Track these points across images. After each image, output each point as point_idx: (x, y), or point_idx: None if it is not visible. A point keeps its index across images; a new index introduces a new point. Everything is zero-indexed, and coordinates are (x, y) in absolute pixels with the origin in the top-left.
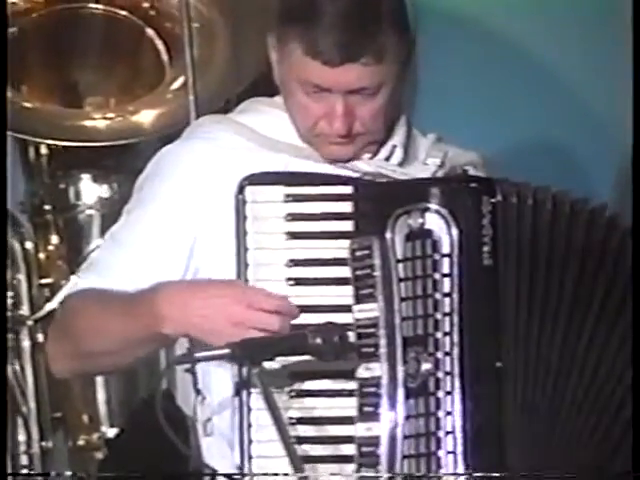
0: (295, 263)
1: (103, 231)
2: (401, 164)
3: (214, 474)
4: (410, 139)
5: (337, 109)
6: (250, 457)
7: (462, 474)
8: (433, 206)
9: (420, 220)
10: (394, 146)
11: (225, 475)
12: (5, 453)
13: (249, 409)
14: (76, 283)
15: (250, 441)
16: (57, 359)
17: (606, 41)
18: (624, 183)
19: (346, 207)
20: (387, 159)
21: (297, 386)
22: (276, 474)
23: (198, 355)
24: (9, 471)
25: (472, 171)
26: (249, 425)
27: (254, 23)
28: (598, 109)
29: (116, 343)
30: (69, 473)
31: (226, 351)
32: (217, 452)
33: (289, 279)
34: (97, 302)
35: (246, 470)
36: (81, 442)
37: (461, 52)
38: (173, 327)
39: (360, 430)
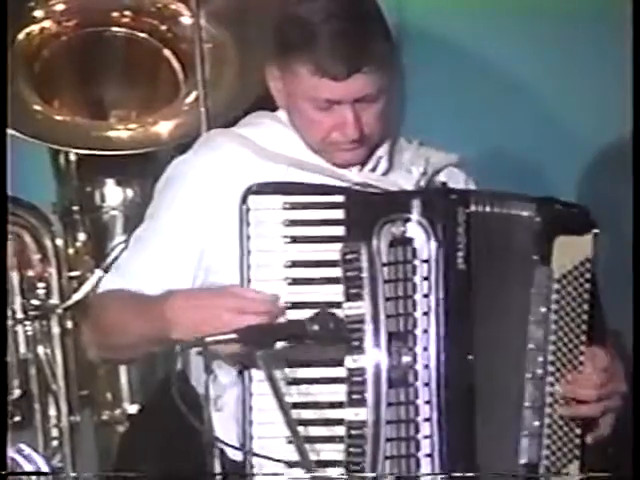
0: (292, 264)
1: (125, 229)
2: (386, 172)
3: (219, 474)
4: (395, 147)
5: (348, 118)
6: (251, 437)
7: (439, 474)
8: (414, 217)
9: (402, 229)
10: (380, 157)
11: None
12: (5, 453)
13: (251, 394)
14: (104, 280)
15: (251, 422)
16: (90, 347)
17: (575, 53)
18: (587, 193)
19: (338, 214)
20: (373, 170)
21: (292, 374)
22: (276, 474)
23: (208, 339)
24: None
25: (455, 170)
26: (250, 408)
27: (260, 44)
28: (565, 121)
29: (134, 340)
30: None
31: (233, 336)
32: (225, 426)
33: (287, 278)
34: (121, 303)
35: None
36: (105, 417)
37: (434, 67)
38: (181, 332)
39: (349, 414)
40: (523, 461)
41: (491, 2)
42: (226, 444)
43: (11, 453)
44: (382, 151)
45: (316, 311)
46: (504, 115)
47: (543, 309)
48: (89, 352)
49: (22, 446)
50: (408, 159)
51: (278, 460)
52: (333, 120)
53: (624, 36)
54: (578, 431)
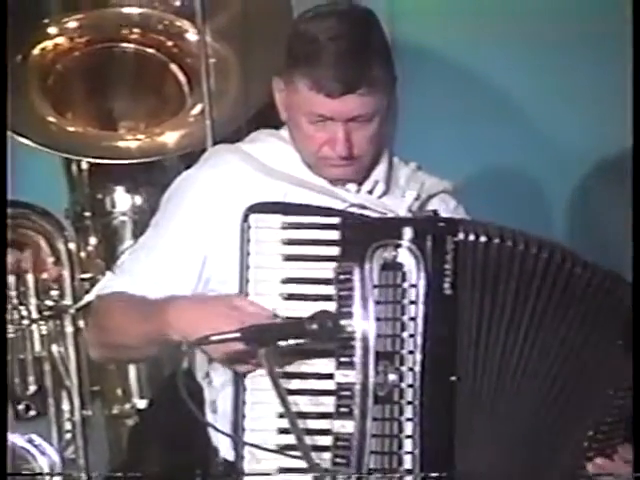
0: (288, 281)
1: (134, 234)
2: (383, 195)
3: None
4: (391, 170)
5: (339, 135)
6: (244, 429)
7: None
8: (405, 243)
9: (394, 254)
10: (376, 181)
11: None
12: (5, 453)
13: (244, 388)
14: (110, 282)
15: (244, 416)
16: (93, 346)
17: (569, 71)
18: (578, 209)
19: (334, 235)
20: (370, 192)
21: (285, 385)
22: (268, 474)
23: (213, 338)
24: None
25: (446, 197)
26: (244, 402)
27: (261, 60)
28: (559, 139)
29: (136, 340)
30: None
31: (236, 334)
32: (220, 426)
33: (282, 294)
34: (125, 306)
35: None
36: (115, 411)
37: (430, 86)
38: (180, 335)
39: (336, 426)
40: None
41: (486, 21)
42: (226, 434)
43: (22, 443)
44: (379, 175)
45: (315, 311)
46: (500, 131)
47: (611, 392)
48: (91, 351)
49: (33, 436)
50: (404, 182)
51: (285, 454)
52: (326, 135)
53: (624, 49)
54: None
